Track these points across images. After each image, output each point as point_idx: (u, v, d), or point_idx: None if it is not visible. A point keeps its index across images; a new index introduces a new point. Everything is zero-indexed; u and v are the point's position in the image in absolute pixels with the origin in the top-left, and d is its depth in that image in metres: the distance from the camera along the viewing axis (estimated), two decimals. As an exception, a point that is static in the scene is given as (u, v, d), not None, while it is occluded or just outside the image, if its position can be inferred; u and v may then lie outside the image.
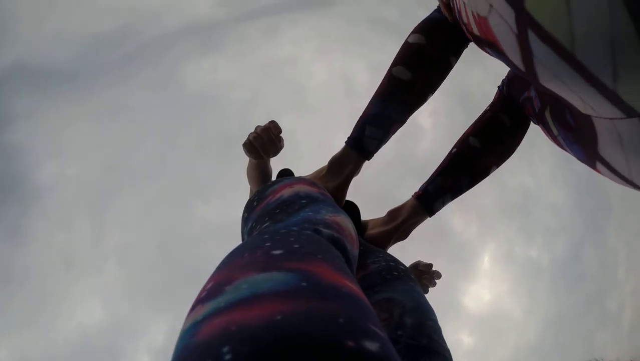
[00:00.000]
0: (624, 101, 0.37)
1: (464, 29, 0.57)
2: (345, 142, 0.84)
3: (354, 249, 0.47)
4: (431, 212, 0.90)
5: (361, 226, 0.94)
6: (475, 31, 0.51)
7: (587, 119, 0.48)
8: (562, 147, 0.65)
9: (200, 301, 0.28)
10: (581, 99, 0.42)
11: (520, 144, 0.90)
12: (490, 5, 0.42)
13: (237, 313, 0.25)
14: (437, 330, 0.59)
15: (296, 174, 1.01)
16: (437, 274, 1.00)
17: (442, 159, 0.92)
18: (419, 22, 0.82)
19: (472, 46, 0.79)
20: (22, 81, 4.67)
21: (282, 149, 0.90)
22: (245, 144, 0.85)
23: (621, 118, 0.40)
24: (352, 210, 0.93)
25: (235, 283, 0.28)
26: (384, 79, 0.82)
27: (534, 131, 0.85)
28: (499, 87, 0.90)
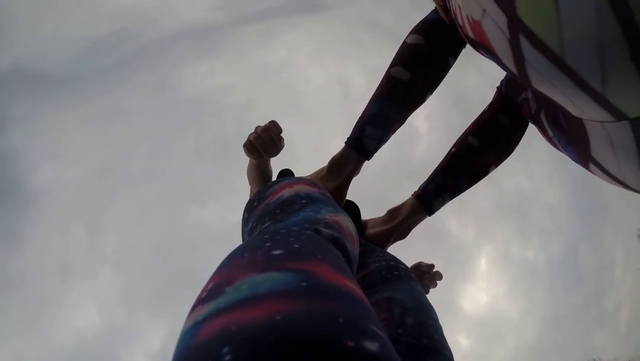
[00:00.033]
0: (613, 105, 0.37)
1: (460, 31, 0.58)
2: (345, 142, 0.84)
3: (355, 249, 0.47)
4: (431, 211, 0.90)
5: (361, 226, 0.94)
6: (470, 34, 0.51)
7: (579, 122, 0.48)
8: (557, 148, 0.66)
9: (200, 301, 0.28)
10: (572, 102, 0.42)
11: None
12: (484, 10, 0.43)
13: (237, 314, 0.25)
14: (438, 329, 0.59)
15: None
16: (439, 275, 1.00)
17: (441, 159, 0.93)
18: (417, 22, 0.82)
19: (466, 50, 0.79)
20: (19, 84, 4.66)
21: (282, 150, 0.90)
22: (246, 145, 0.85)
23: (611, 121, 0.40)
24: (352, 209, 0.93)
25: (236, 283, 0.28)
26: (382, 80, 0.82)
27: (530, 133, 0.86)
28: (497, 87, 0.90)
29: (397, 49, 0.83)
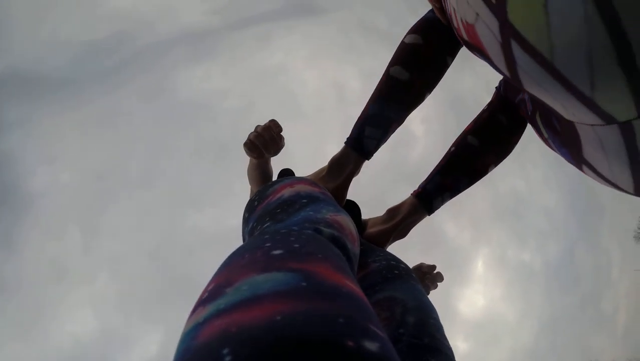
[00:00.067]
0: (602, 109, 0.38)
1: (456, 33, 0.59)
2: (345, 142, 0.84)
3: (355, 248, 0.47)
4: (430, 210, 0.90)
5: (361, 225, 0.94)
6: (465, 37, 0.52)
7: (570, 125, 0.49)
8: (552, 149, 0.66)
9: (201, 303, 0.29)
10: (563, 106, 0.43)
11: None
12: (477, 14, 0.44)
13: (237, 315, 0.25)
14: (439, 328, 0.59)
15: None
16: (440, 277, 1.00)
17: (438, 161, 0.93)
18: (415, 22, 0.83)
19: (462, 53, 0.80)
20: (16, 87, 4.65)
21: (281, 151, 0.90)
22: (246, 144, 0.85)
23: (601, 125, 0.41)
24: (352, 209, 0.93)
25: (236, 284, 0.28)
26: (381, 80, 0.83)
27: (526, 135, 0.87)
28: (496, 87, 0.91)
29: (392, 53, 0.83)
